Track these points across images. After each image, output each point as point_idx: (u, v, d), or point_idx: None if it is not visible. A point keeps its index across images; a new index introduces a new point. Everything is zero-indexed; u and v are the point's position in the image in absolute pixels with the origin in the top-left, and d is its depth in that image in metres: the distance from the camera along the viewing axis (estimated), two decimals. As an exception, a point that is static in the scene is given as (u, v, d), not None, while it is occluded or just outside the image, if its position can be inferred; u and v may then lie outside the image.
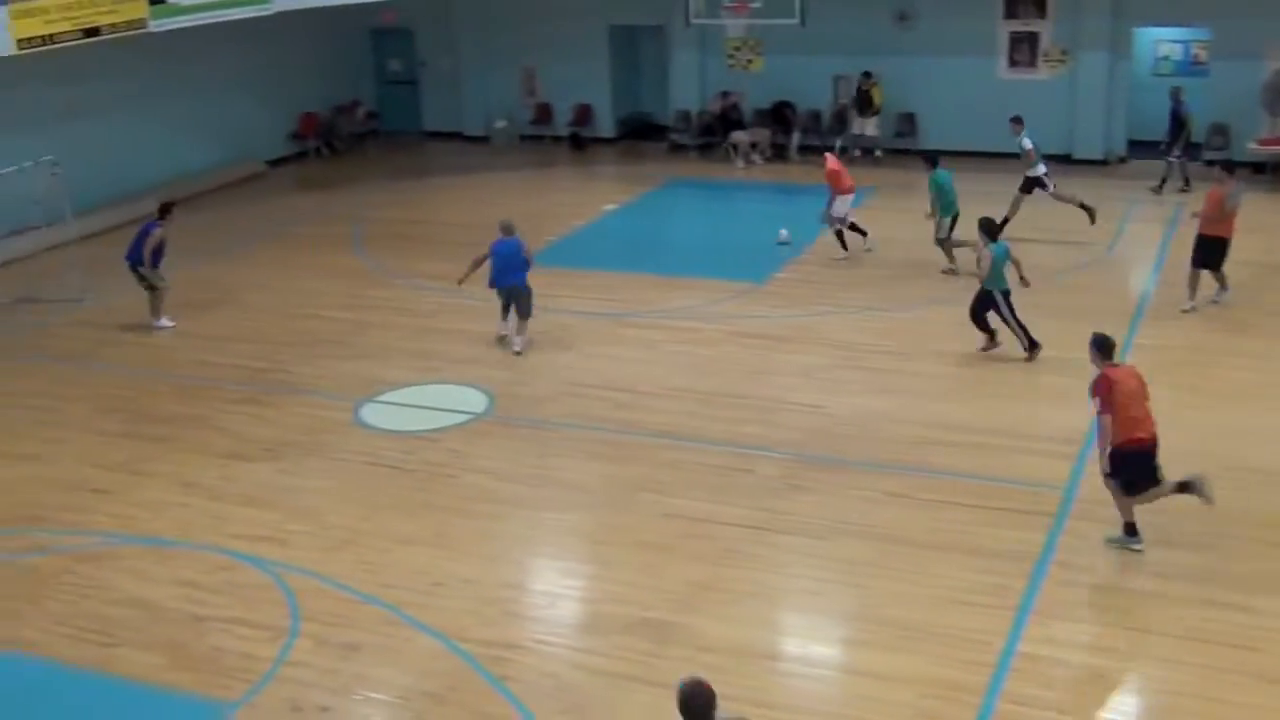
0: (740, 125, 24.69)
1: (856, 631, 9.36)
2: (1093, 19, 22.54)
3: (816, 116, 24.89)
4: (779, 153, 24.50)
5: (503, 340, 15.37)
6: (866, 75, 23.78)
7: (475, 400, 13.80)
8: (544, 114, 27.15)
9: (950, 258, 17.17)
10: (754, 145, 24.20)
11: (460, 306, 16.84)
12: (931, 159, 17.42)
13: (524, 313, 15.10)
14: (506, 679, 8.81)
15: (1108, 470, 9.98)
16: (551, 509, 11.35)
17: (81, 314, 17.29)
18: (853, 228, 18.15)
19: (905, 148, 23.69)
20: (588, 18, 26.02)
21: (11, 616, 9.91)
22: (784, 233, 18.71)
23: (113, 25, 19.05)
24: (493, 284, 15.22)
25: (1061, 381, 13.34)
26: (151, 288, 16.53)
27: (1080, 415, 11.57)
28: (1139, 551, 10.11)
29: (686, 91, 25.92)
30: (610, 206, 21.86)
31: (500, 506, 11.41)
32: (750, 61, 25.41)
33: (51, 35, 18.16)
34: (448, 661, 9.06)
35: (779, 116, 24.85)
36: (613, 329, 15.89)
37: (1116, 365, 10.17)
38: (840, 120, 24.45)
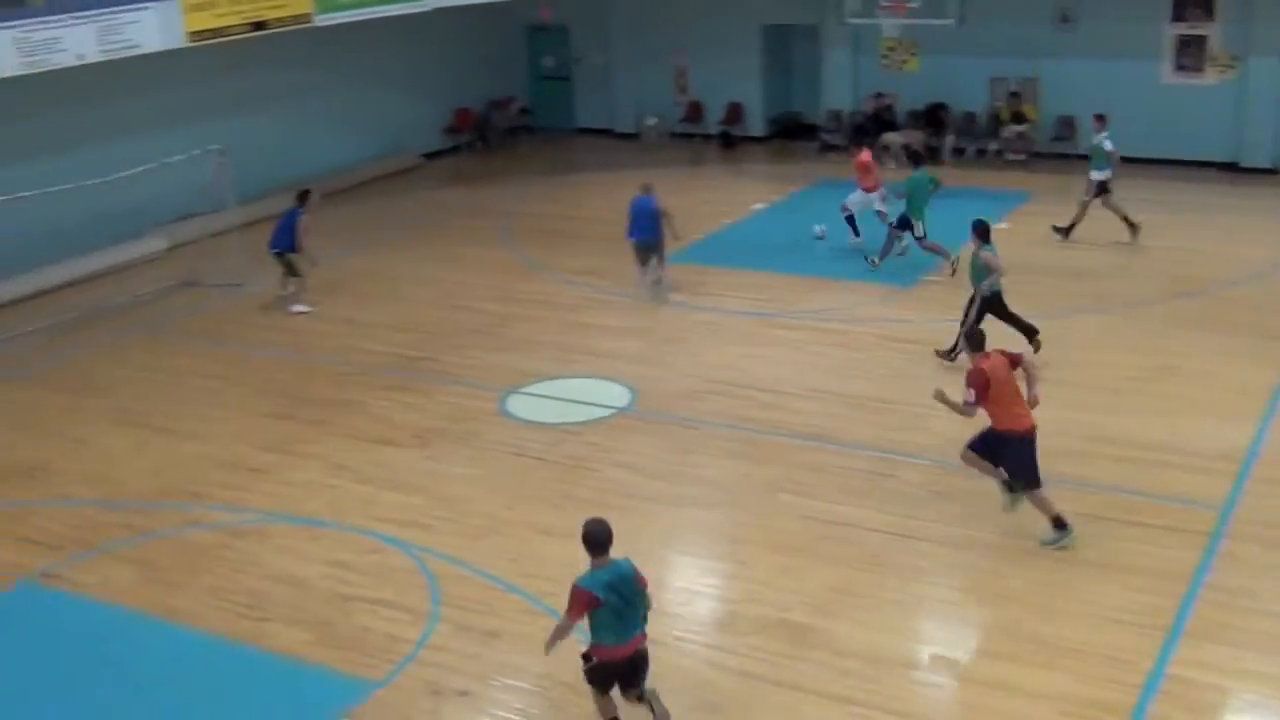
0: (893, 126, 24.40)
1: (997, 644, 9.19)
2: (1264, 23, 21.72)
3: (971, 118, 24.47)
4: (931, 155, 24.12)
5: (651, 285, 16.92)
6: (1014, 95, 23.44)
7: (618, 395, 13.90)
8: (695, 112, 27.18)
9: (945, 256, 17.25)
10: (905, 147, 23.87)
11: (606, 301, 17.00)
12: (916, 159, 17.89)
13: (660, 259, 16.99)
14: (642, 673, 8.85)
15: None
16: (691, 506, 11.38)
17: (242, 299, 17.86)
18: (850, 220, 18.56)
19: (1064, 152, 23.15)
20: (741, 17, 25.97)
21: (171, 587, 10.31)
22: (819, 229, 19.15)
23: (279, 19, 19.63)
24: (630, 235, 16.94)
25: (1223, 398, 12.90)
26: (294, 273, 17.04)
27: (1241, 432, 11.18)
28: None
29: (838, 91, 25.71)
30: (759, 205, 21.80)
31: (640, 501, 11.47)
32: (904, 62, 25.09)
33: (221, 28, 18.79)
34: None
35: (933, 118, 24.50)
36: (758, 328, 15.85)
37: (988, 355, 10.22)
38: (996, 122, 24.01)
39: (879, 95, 24.90)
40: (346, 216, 21.71)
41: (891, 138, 23.99)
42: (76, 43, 16.98)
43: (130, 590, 10.30)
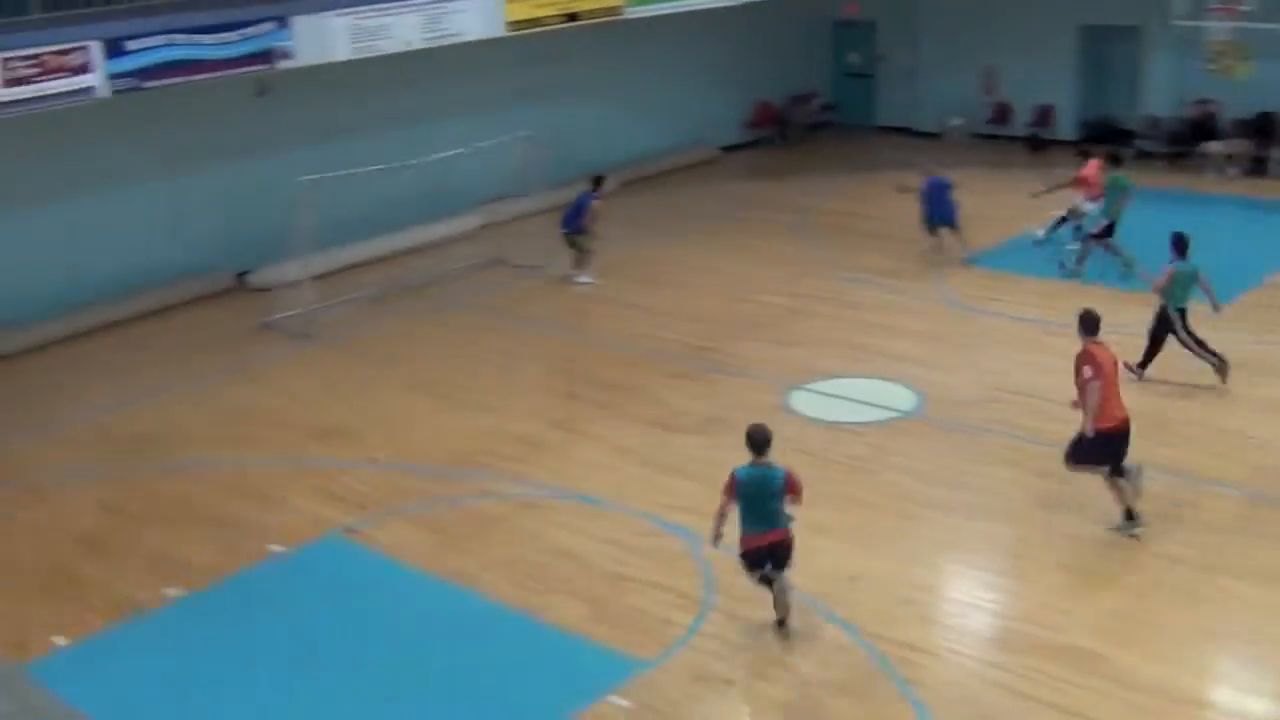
0: (1214, 135, 23.03)
1: (1299, 691, 8.58)
2: None
3: (1304, 129, 22.85)
4: (1258, 167, 22.68)
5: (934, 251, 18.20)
6: None
7: (903, 398, 13.67)
8: (1002, 113, 26.39)
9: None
10: (1229, 157, 22.53)
11: (897, 303, 16.74)
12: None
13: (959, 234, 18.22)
14: (912, 682, 8.70)
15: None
16: (971, 515, 11.09)
17: (542, 280, 18.46)
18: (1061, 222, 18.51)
19: None
20: (1056, 17, 25.02)
21: (461, 552, 10.77)
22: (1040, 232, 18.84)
23: (591, 11, 20.16)
24: (928, 219, 18.25)
25: None
26: (581, 250, 17.80)
27: None
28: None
29: (1158, 96, 24.44)
30: (1062, 212, 20.95)
31: (919, 507, 11.25)
32: (1233, 67, 23.61)
33: (537, 18, 19.46)
34: (854, 655, 9.06)
35: (1261, 128, 22.99)
36: (1050, 338, 15.25)
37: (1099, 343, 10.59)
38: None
39: (1202, 101, 23.55)
40: (643, 205, 22.11)
41: (1213, 147, 22.68)
42: (404, 30, 17.93)
43: (422, 552, 10.81)
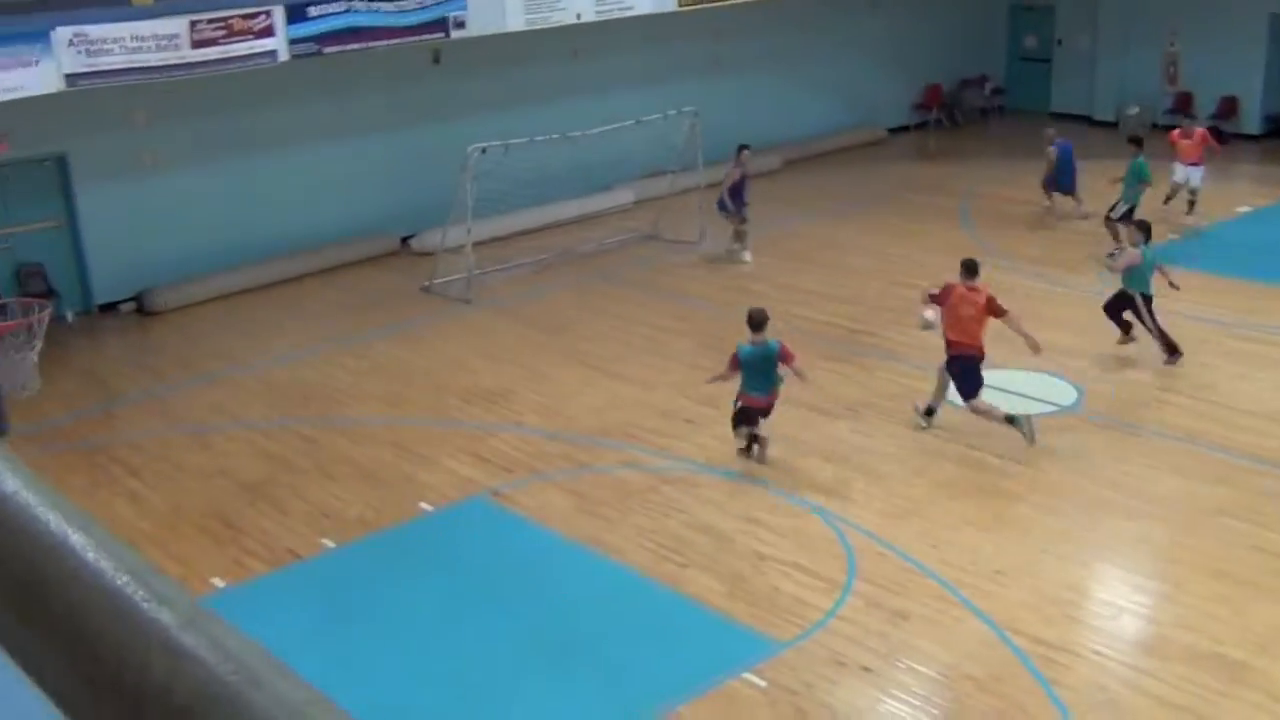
0: None
1: None
2: None
3: None
4: None
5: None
6: None
7: (1064, 393, 13.29)
8: (1183, 103, 25.40)
9: None
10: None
11: (1062, 294, 16.29)
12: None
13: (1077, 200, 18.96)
14: (1055, 682, 8.46)
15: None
16: (1127, 517, 10.72)
17: (697, 256, 18.43)
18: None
19: None
20: (1247, 4, 23.98)
21: (603, 521, 10.83)
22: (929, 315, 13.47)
23: (765, -13, 19.99)
24: (1057, 183, 19.25)
25: None
26: (741, 221, 17.91)
27: None
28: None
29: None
30: (1244, 209, 20.14)
31: (1073, 505, 10.92)
32: None
33: (709, -6, 19.37)
34: (997, 651, 8.84)
35: None
36: (1223, 339, 14.68)
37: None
38: None
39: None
40: (805, 184, 21.92)
41: None
42: (576, 2, 18.01)
43: (565, 518, 10.91)
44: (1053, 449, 11.98)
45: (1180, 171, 19.35)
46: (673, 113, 19.20)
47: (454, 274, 17.01)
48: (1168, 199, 19.34)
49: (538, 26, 17.90)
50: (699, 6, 19.40)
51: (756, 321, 11.52)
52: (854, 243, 18.88)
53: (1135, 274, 13.91)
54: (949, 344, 12.20)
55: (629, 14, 18.79)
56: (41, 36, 13.69)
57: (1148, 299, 13.91)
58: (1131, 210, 17.36)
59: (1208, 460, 11.65)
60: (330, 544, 10.61)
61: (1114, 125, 25.91)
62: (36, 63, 13.69)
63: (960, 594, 9.50)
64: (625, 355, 14.74)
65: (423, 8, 16.77)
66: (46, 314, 13.68)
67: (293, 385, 14.17)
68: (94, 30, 14.05)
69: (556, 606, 9.64)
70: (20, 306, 14.01)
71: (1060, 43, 27.18)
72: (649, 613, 9.55)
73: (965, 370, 12.14)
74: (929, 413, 12.40)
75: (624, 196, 21.05)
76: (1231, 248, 18.19)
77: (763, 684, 8.53)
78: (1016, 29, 27.96)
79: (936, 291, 12.36)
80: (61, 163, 16.53)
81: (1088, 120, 26.54)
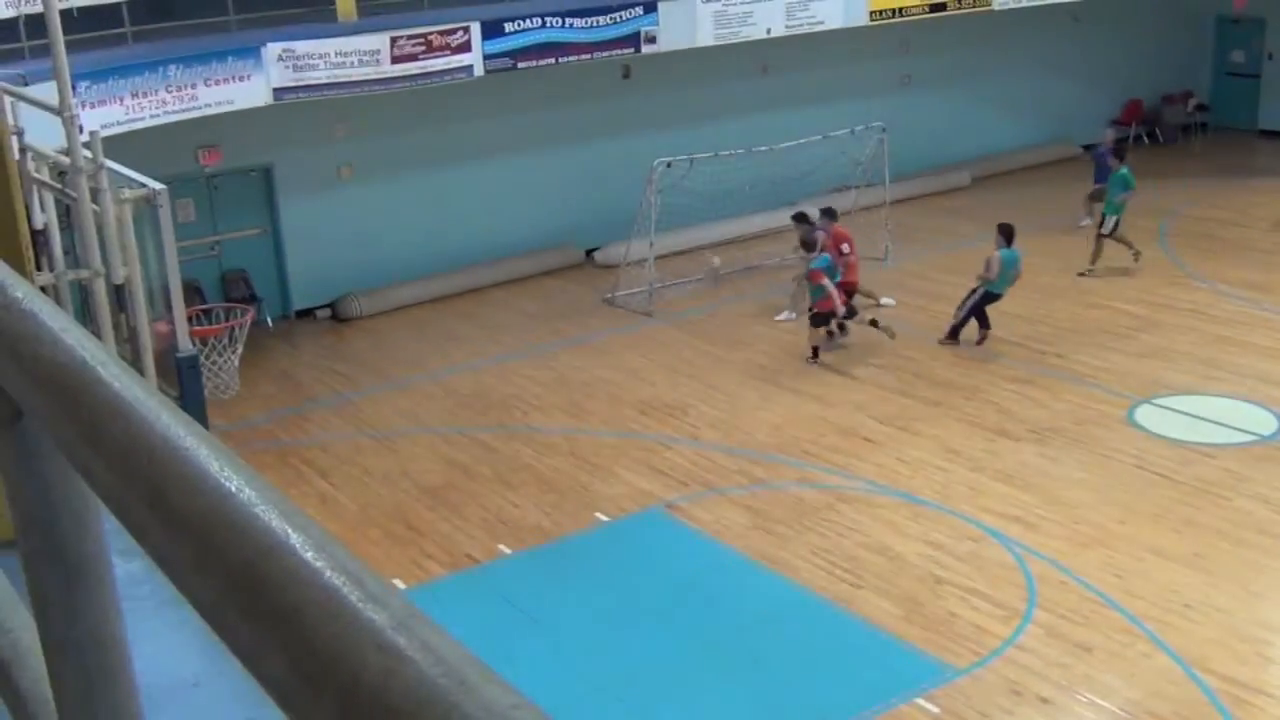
0: None
1: None
2: None
3: None
4: None
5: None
6: None
7: (1263, 421, 12.77)
8: (1404, 120, 24.11)
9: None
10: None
11: (1264, 319, 15.65)
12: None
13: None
14: (1245, 724, 8.15)
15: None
16: (1332, 556, 10.24)
17: (882, 271, 18.24)
18: None
19: None
20: None
21: (776, 538, 10.83)
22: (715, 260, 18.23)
23: (959, 2, 19.70)
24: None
25: None
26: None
27: None
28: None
29: None
30: None
31: (1271, 540, 10.48)
32: None
33: (901, 9, 19.18)
34: (1183, 689, 8.56)
35: None
36: None
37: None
38: None
39: None
40: (994, 202, 21.43)
41: None
42: (767, 17, 18.07)
43: (739, 534, 10.94)
44: (1249, 479, 11.52)
45: None
46: (860, 128, 19.06)
47: (636, 287, 17.21)
48: None
49: (728, 41, 17.99)
50: (890, 21, 19.23)
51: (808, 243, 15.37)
52: (1043, 263, 18.40)
53: (1001, 275, 15.09)
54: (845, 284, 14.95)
55: (819, 29, 18.74)
56: (253, 52, 14.39)
57: (991, 296, 15.13)
58: (1117, 223, 17.62)
59: None
60: (506, 550, 10.86)
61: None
62: (248, 77, 14.39)
63: (1146, 628, 9.22)
64: (804, 372, 14.69)
65: (615, 23, 17.04)
66: (249, 318, 14.30)
67: (475, 393, 14.53)
68: (301, 46, 14.69)
69: (727, 622, 9.68)
70: (225, 311, 14.69)
71: (1270, 57, 26.04)
72: (820, 632, 9.53)
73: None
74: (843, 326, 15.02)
75: (810, 212, 20.93)
76: None
77: (935, 710, 8.42)
78: (1223, 43, 26.90)
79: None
80: (267, 173, 17.30)
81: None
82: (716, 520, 11.19)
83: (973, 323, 15.29)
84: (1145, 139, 26.08)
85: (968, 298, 15.32)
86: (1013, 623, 9.40)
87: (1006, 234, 15.35)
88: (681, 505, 11.51)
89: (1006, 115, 24.28)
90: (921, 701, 8.51)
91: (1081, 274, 17.55)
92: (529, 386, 14.67)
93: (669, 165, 16.93)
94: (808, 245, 15.24)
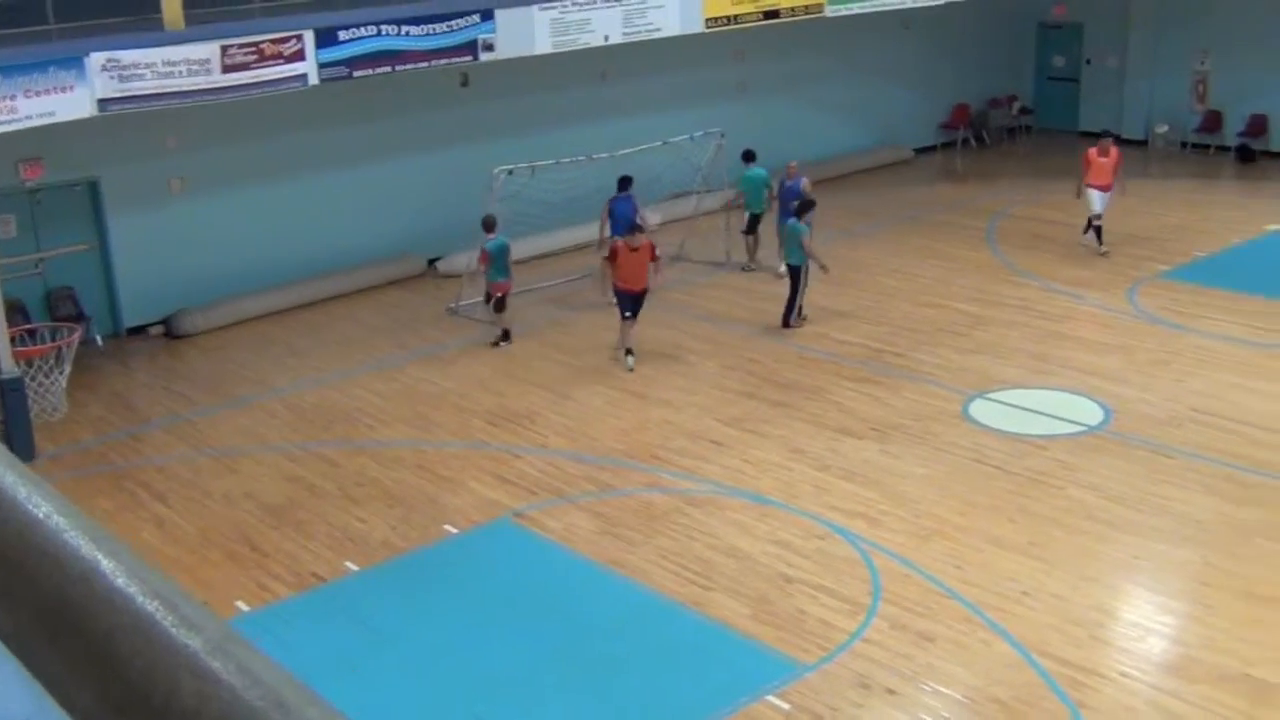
0: None
1: None
2: None
3: None
4: None
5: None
6: None
7: (1091, 412, 13.28)
8: (1213, 122, 25.33)
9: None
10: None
11: (1090, 314, 16.30)
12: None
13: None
14: (1081, 704, 8.46)
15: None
16: (1157, 539, 10.70)
17: (721, 276, 18.47)
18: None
19: None
20: (1277, 21, 23.90)
21: (627, 544, 10.87)
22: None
23: (792, 9, 20.06)
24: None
25: None
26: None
27: None
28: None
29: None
30: (1274, 227, 20.07)
31: (1102, 527, 10.91)
32: None
33: (736, 15, 19.45)
34: (1022, 673, 8.84)
35: None
36: (1256, 358, 14.64)
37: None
38: None
39: None
40: (831, 205, 21.85)
41: None
42: (604, 25, 18.14)
43: (589, 540, 10.96)
44: (1079, 469, 11.98)
45: (1096, 199, 18.36)
46: (699, 134, 19.27)
47: (479, 296, 17.11)
48: (1088, 226, 18.70)
49: (566, 49, 18.02)
50: (725, 29, 19.49)
51: (487, 225, 15.72)
52: (880, 263, 18.90)
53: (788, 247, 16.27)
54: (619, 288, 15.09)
55: (656, 35, 18.88)
56: (75, 62, 13.87)
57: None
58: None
59: (1239, 480, 11.62)
60: (354, 567, 10.69)
61: (1143, 144, 25.85)
62: (71, 88, 13.88)
63: (986, 616, 9.50)
64: (651, 377, 14.79)
65: (452, 31, 16.90)
66: (76, 337, 13.83)
67: (318, 409, 14.28)
68: (127, 55, 14.23)
69: (579, 629, 9.68)
70: (51, 331, 14.17)
71: (1089, 62, 27.16)
72: (672, 636, 9.59)
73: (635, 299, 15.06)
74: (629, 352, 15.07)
75: (650, 218, 21.08)
76: (1258, 266, 18.12)
77: (786, 707, 8.55)
78: (1044, 49, 27.94)
79: (607, 254, 15.21)
80: (94, 187, 16.74)
81: (1116, 139, 26.41)
82: (566, 528, 11.19)
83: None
84: (973, 142, 26.94)
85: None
86: (859, 617, 9.59)
87: (803, 209, 16.36)
88: (530, 514, 11.48)
89: (840, 120, 24.83)
90: (773, 699, 8.63)
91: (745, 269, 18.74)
92: (373, 400, 14.48)
93: (510, 173, 16.90)
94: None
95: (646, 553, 10.69)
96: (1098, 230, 18.60)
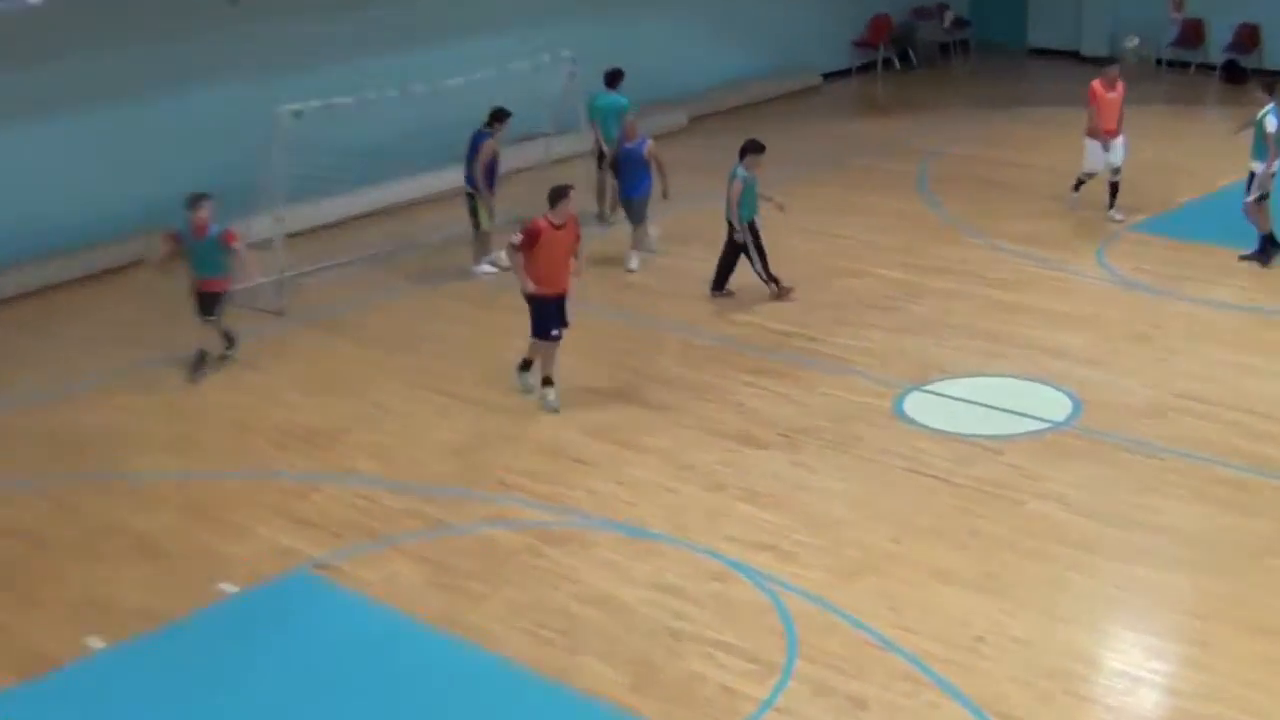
0: None
1: None
2: None
3: None
4: None
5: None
6: None
7: (1056, 404, 13.46)
8: (1192, 34, 25.99)
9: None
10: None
11: (1051, 279, 16.54)
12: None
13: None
14: (1056, 780, 8.50)
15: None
16: (1143, 562, 10.83)
17: (590, 241, 18.30)
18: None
19: None
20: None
21: (466, 597, 10.67)
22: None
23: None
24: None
25: None
26: (475, 219, 17.64)
27: None
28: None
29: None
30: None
31: (1074, 550, 11.01)
32: None
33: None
34: (980, 743, 8.87)
35: None
36: (1257, 329, 14.99)
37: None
38: None
39: None
40: (717, 147, 21.88)
41: None
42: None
43: (417, 595, 10.74)
44: (1043, 477, 12.09)
45: (1113, 149, 18.25)
46: (545, 59, 19.11)
47: (261, 277, 16.74)
48: (1080, 184, 18.82)
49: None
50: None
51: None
52: (785, 221, 18.84)
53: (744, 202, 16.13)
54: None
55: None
56: None
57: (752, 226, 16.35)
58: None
59: (1241, 484, 11.85)
60: (99, 643, 10.36)
61: (1110, 62, 26.32)
62: None
63: (932, 671, 9.51)
64: (492, 378, 14.60)
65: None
66: None
67: (48, 433, 13.87)
68: None
69: (405, 711, 9.47)
70: None
71: (1038, -40, 27.66)
72: (528, 714, 9.43)
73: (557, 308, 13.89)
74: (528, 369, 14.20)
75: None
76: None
77: (680, 802, 8.46)
78: (982, -57, 28.39)
79: (519, 240, 13.58)
80: None
81: (1075, 56, 26.98)
82: (385, 579, 10.97)
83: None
84: (896, 63, 27.24)
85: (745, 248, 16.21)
86: (770, 680, 9.54)
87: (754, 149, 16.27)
88: (337, 564, 11.24)
89: (727, 40, 24.91)
90: (660, 793, 8.53)
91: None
92: (123, 418, 14.10)
93: (298, 115, 16.54)
94: None
95: (493, 608, 10.52)
96: (1113, 189, 18.49)
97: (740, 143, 16.33)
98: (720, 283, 16.46)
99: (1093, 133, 18.32)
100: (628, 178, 17.67)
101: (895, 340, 15.08)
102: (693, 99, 23.64)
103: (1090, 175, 18.62)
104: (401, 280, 17.51)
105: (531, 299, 13.70)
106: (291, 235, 17.20)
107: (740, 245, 16.23)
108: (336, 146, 17.78)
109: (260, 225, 16.91)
